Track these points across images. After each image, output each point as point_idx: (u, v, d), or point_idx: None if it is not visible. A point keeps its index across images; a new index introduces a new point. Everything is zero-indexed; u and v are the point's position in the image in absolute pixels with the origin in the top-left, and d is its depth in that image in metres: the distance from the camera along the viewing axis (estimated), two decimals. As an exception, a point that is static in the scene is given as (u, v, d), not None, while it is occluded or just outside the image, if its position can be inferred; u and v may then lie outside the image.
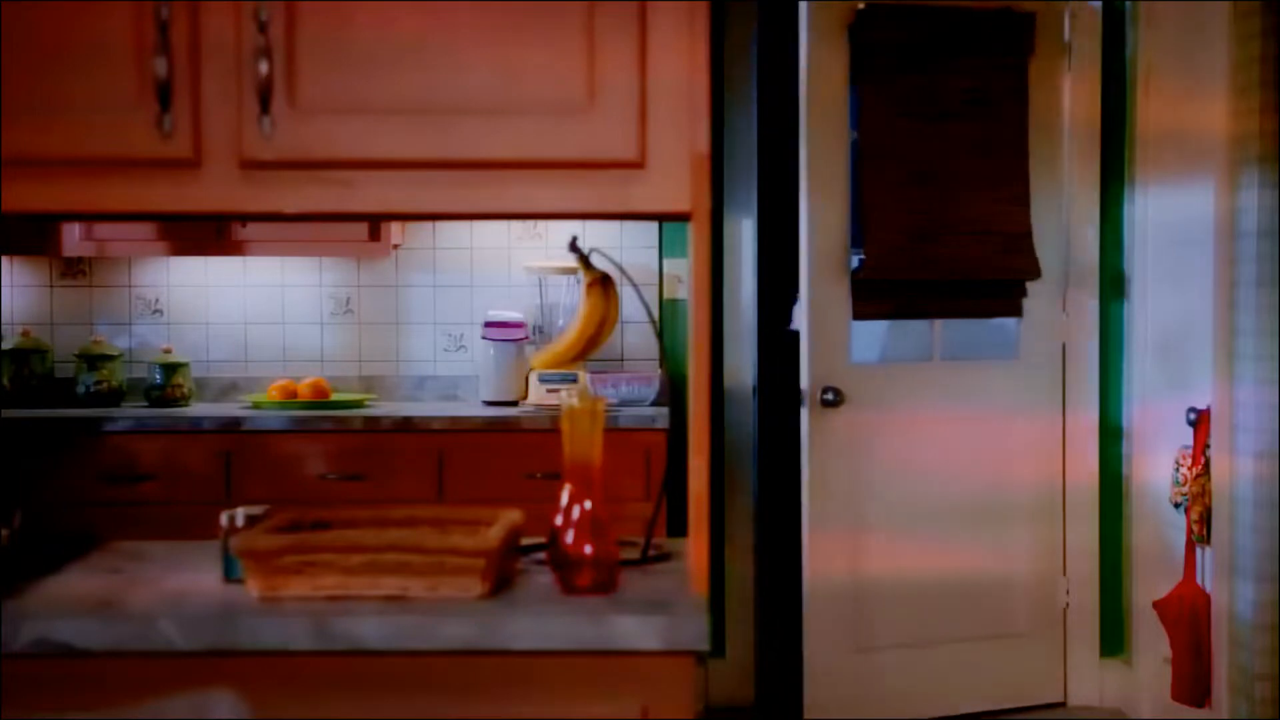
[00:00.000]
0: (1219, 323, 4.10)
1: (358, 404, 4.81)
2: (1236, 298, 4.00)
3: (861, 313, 4.79)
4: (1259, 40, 3.89)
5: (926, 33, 4.78)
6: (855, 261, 4.78)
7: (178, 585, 2.18)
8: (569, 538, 2.10)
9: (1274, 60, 3.86)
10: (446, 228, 5.06)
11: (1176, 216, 4.60)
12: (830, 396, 4.72)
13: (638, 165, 2.06)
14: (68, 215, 3.75)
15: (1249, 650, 3.95)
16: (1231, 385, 4.03)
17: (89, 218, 4.13)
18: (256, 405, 4.74)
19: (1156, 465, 4.62)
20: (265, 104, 2.02)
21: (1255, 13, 3.89)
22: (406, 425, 4.55)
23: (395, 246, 4.96)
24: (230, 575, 2.18)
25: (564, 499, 2.12)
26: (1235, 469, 4.00)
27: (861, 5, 4.75)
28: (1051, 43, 4.96)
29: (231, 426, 4.54)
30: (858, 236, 4.80)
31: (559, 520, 2.11)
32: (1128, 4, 4.89)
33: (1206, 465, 4.18)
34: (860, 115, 4.80)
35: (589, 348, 2.38)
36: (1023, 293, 4.95)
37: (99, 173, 2.06)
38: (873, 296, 4.78)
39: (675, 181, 2.07)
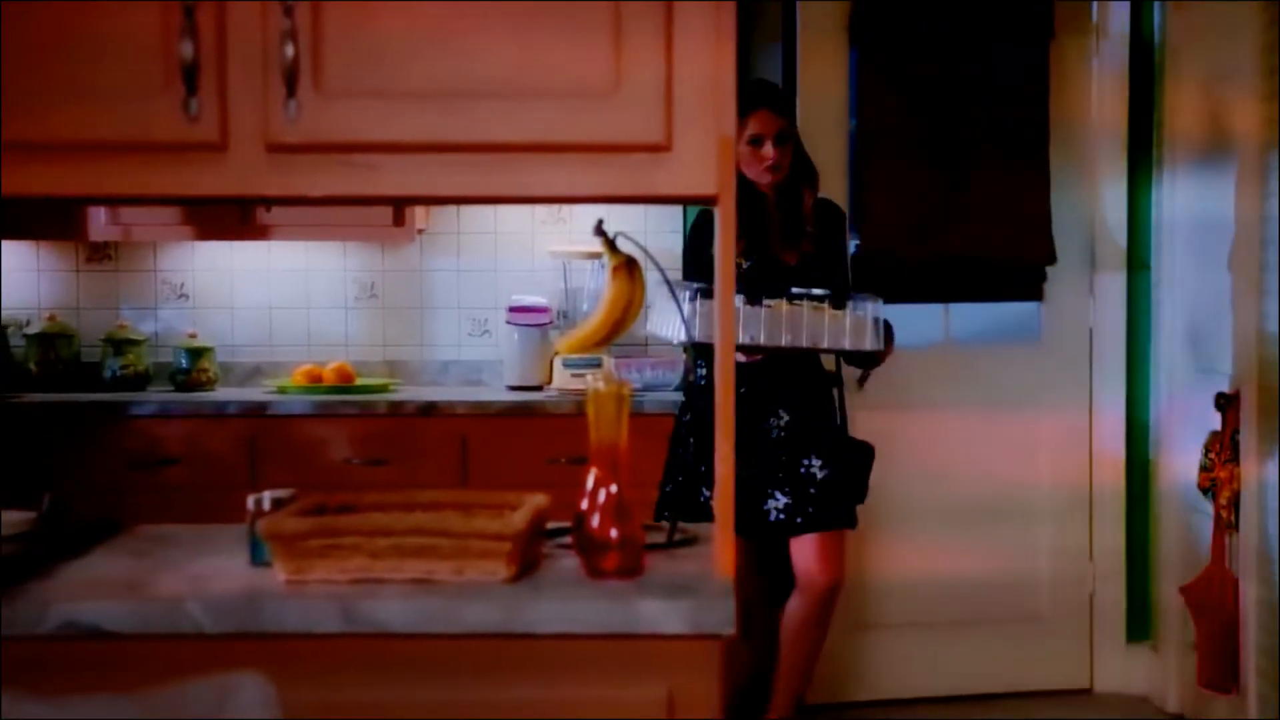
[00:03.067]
0: (1245, 306, 4.07)
1: (382, 388, 4.81)
2: (1264, 282, 3.98)
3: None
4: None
5: (930, 20, 4.78)
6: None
7: (204, 568, 2.19)
8: (594, 521, 2.10)
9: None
10: (471, 212, 5.06)
11: (1204, 200, 4.57)
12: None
13: (664, 148, 2.05)
14: (94, 199, 3.76)
15: (1278, 636, 3.93)
16: (1259, 369, 4.00)
17: (116, 201, 4.13)
18: (281, 390, 4.75)
19: (1184, 450, 4.60)
20: (291, 88, 2.02)
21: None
22: (430, 410, 4.56)
23: (419, 231, 4.96)
24: (257, 559, 2.18)
25: (589, 483, 2.12)
26: (1265, 504, 3.98)
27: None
28: (1079, 26, 4.93)
29: (256, 411, 4.55)
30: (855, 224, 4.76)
31: (584, 504, 2.11)
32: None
33: (1235, 450, 4.16)
34: (859, 103, 4.82)
35: (615, 331, 2.38)
36: (1043, 277, 4.92)
37: (125, 156, 2.06)
38: (872, 281, 4.71)
39: (701, 164, 2.06)
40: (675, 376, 4.76)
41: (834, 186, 4.68)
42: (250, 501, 2.23)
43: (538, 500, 2.23)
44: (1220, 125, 4.36)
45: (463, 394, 4.77)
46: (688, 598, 1.98)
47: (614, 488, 2.10)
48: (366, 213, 4.68)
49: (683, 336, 3.65)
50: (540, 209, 4.96)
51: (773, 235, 4.05)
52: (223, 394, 4.80)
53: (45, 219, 4.72)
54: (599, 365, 4.58)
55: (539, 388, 4.79)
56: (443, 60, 2.06)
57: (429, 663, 1.98)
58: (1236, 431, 4.15)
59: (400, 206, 4.64)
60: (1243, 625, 4.13)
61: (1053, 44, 4.91)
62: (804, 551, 4.06)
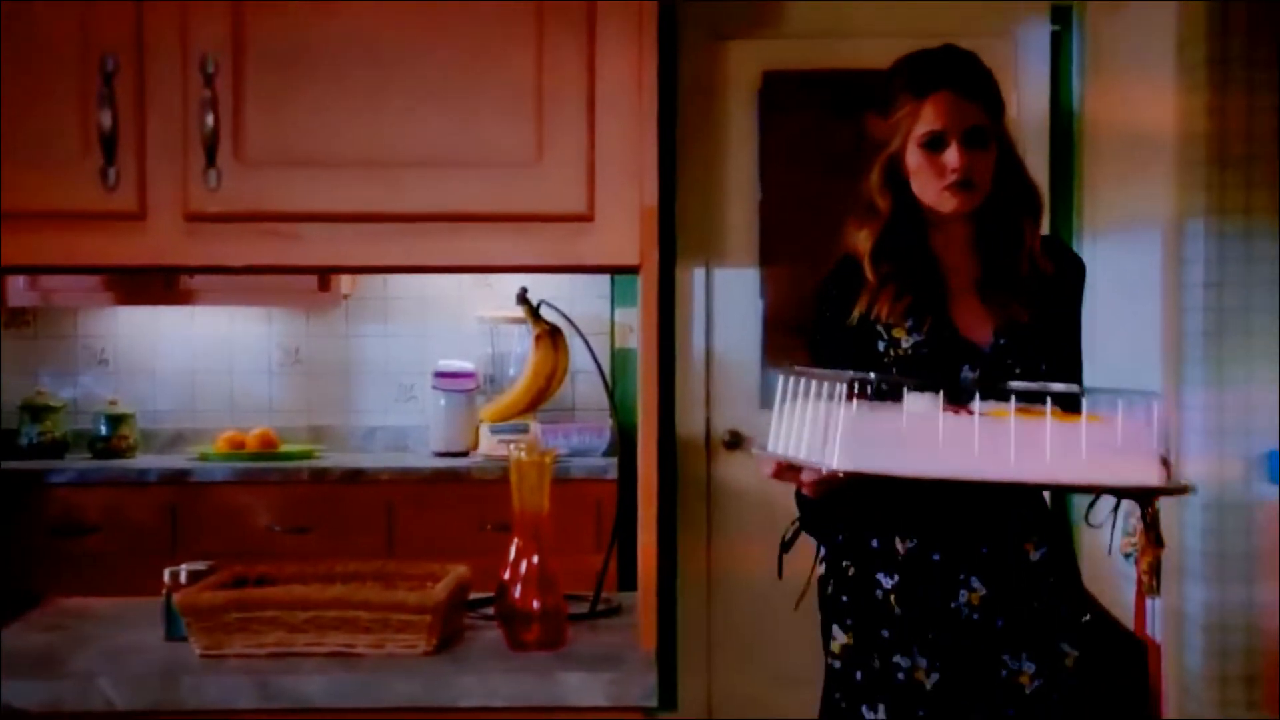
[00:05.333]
0: (1166, 373, 4.13)
1: (306, 455, 4.77)
2: (1183, 349, 4.03)
3: (774, 359, 4.91)
4: (1205, 90, 3.94)
5: (838, 93, 4.91)
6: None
7: (119, 643, 2.15)
8: (517, 592, 2.08)
9: (1220, 113, 3.93)
10: (397, 277, 5.04)
11: (1124, 269, 4.64)
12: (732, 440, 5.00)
13: (586, 218, 2.05)
14: (9, 269, 3.71)
15: (1199, 701, 3.96)
16: (1179, 437, 4.05)
17: (32, 271, 4.09)
18: (203, 457, 4.69)
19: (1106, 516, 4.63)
20: (211, 156, 2.00)
21: (1201, 65, 3.95)
22: (355, 477, 4.52)
23: (345, 296, 4.94)
24: (173, 633, 2.15)
25: (512, 553, 2.10)
26: (1183, 519, 4.02)
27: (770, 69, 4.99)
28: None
29: (178, 478, 4.49)
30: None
31: (507, 574, 2.09)
32: (1075, 53, 4.95)
33: (1156, 516, 4.20)
34: (764, 174, 5.03)
35: (537, 400, 2.38)
36: None
37: (42, 225, 2.04)
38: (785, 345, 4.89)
39: (624, 234, 2.06)
40: (603, 442, 4.75)
41: (743, 256, 4.84)
42: (167, 574, 2.20)
43: (459, 571, 2.22)
44: (1140, 194, 4.43)
45: (388, 460, 4.74)
46: (610, 670, 1.97)
47: (536, 558, 2.09)
48: (292, 278, 4.66)
49: (837, 464, 2.06)
50: (467, 274, 4.95)
51: (954, 295, 2.56)
52: (143, 461, 4.74)
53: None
54: (526, 430, 4.57)
55: (465, 453, 4.76)
56: (367, 130, 2.05)
57: (348, 738, 1.95)
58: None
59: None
60: (1164, 690, 4.16)
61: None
62: None
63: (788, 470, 2.21)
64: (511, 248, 2.08)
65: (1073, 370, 2.60)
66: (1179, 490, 2.20)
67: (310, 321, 5.06)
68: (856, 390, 2.10)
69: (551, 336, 2.36)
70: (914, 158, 2.49)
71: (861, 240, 2.55)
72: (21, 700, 1.93)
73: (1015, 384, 2.21)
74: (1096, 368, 4.78)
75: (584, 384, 4.96)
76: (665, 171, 2.53)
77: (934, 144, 2.47)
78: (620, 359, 4.99)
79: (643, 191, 2.06)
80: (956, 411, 2.09)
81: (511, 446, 2.12)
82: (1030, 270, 2.57)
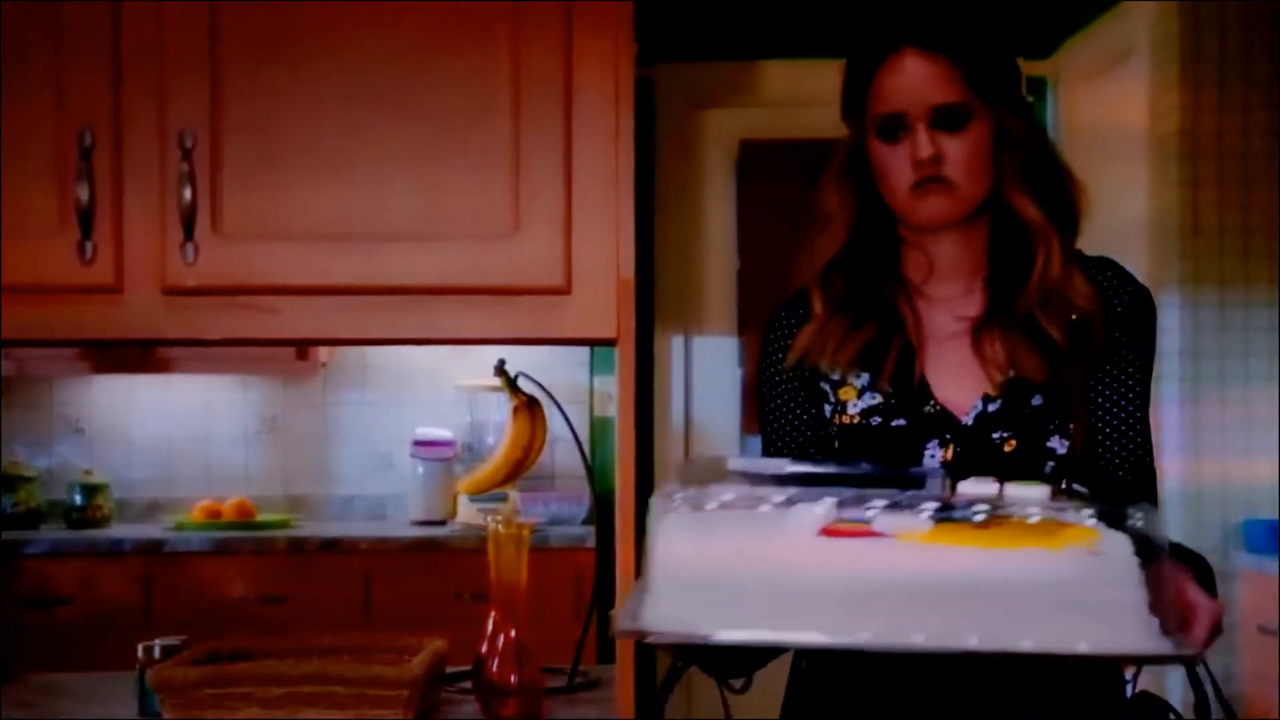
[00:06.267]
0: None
1: (283, 524, 4.74)
2: (1160, 417, 4.05)
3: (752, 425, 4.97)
4: (1175, 173, 3.98)
5: (816, 161, 5.00)
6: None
7: None
8: (494, 666, 2.07)
9: (1191, 185, 3.97)
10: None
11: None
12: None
13: (563, 291, 2.05)
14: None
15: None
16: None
17: (7, 344, 4.07)
18: (179, 527, 4.66)
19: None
20: (189, 230, 2.00)
21: (1172, 138, 3.99)
22: (332, 546, 4.49)
23: (323, 364, 4.93)
24: (147, 709, 2.13)
25: (489, 626, 2.09)
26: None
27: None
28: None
29: (153, 549, 4.46)
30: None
31: (484, 648, 2.08)
32: (1049, 123, 5.00)
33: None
34: (742, 243, 5.14)
35: (515, 472, 2.37)
36: None
37: (18, 299, 2.03)
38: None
39: (601, 306, 2.06)
40: (582, 510, 4.74)
41: (722, 324, 4.87)
42: (140, 650, 2.18)
43: (436, 645, 2.20)
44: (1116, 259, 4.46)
45: (365, 529, 4.71)
46: (588, 745, 1.96)
47: (513, 632, 2.08)
48: (269, 347, 4.65)
49: (642, 621, 1.47)
50: (445, 343, 4.95)
51: (932, 341, 1.86)
52: (118, 531, 4.70)
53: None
54: (505, 499, 4.55)
55: (444, 522, 4.74)
56: (344, 202, 2.05)
57: (323, 816, 1.93)
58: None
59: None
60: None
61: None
62: None
63: None
64: (488, 321, 2.08)
65: (1139, 466, 1.82)
66: (1177, 659, 1.52)
67: (288, 390, 5.05)
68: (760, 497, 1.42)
69: (529, 408, 2.36)
70: (876, 154, 1.82)
71: (811, 260, 1.94)
72: (-9, 779, 1.91)
73: (1007, 484, 1.51)
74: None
75: (563, 452, 4.94)
76: (643, 241, 2.54)
77: (892, 129, 1.78)
78: (600, 426, 4.98)
79: (619, 264, 2.06)
80: (839, 534, 1.38)
81: (489, 519, 2.12)
82: (1060, 305, 1.81)
